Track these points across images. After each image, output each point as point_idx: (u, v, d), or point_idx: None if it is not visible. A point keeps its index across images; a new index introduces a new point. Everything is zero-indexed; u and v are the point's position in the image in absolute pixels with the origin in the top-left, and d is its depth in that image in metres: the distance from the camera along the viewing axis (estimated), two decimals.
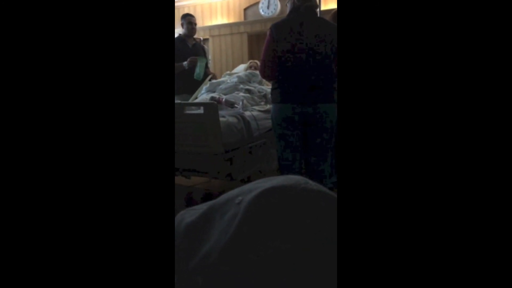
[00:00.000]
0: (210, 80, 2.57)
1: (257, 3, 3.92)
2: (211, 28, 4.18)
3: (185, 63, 2.52)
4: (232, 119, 1.82)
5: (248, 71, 2.60)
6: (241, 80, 2.40)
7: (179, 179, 1.97)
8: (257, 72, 2.42)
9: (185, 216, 0.35)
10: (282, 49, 1.54)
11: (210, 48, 4.17)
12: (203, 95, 2.32)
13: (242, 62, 3.54)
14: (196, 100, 2.23)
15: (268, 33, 1.60)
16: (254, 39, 4.07)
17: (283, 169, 1.69)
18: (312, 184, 0.35)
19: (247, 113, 1.96)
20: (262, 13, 3.90)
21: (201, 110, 1.73)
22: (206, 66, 2.67)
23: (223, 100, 1.98)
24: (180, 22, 2.74)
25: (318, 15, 1.58)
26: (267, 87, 2.44)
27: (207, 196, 2.03)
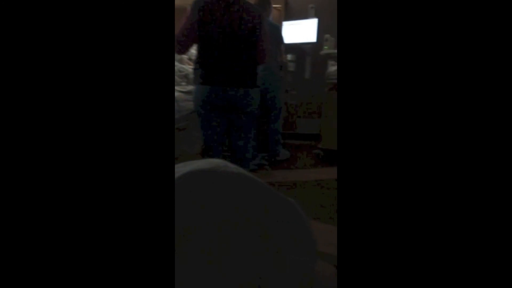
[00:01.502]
0: None
1: None
2: None
3: None
4: None
5: None
6: None
7: None
8: None
9: None
10: (205, 30, 1.48)
11: None
12: None
13: None
14: None
15: (188, 8, 1.51)
16: None
17: (206, 153, 1.67)
18: (232, 167, 0.34)
19: None
20: None
21: None
22: None
23: None
24: None
25: None
26: (188, 66, 2.33)
27: None
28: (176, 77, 2.14)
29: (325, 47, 3.04)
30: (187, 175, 0.32)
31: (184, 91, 2.03)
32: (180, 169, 0.34)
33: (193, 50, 1.98)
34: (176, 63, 2.31)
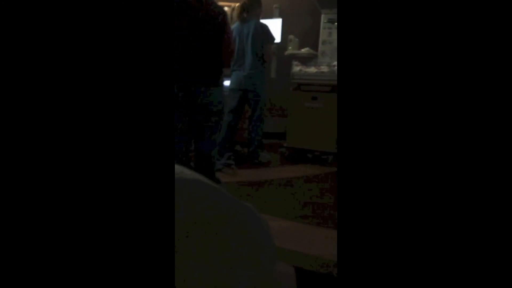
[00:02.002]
0: None
1: None
2: None
3: None
4: None
5: None
6: None
7: None
8: None
9: None
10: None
11: None
12: None
13: None
14: None
15: None
16: None
17: None
18: (188, 173, 0.34)
19: None
20: None
21: None
22: None
23: None
24: None
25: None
26: None
27: None
28: None
29: (289, 47, 3.09)
30: None
31: None
32: None
33: None
34: None
